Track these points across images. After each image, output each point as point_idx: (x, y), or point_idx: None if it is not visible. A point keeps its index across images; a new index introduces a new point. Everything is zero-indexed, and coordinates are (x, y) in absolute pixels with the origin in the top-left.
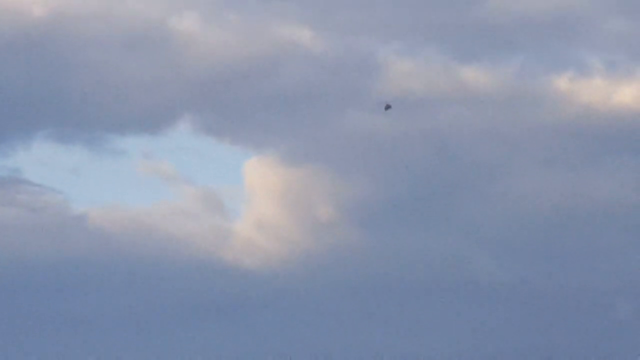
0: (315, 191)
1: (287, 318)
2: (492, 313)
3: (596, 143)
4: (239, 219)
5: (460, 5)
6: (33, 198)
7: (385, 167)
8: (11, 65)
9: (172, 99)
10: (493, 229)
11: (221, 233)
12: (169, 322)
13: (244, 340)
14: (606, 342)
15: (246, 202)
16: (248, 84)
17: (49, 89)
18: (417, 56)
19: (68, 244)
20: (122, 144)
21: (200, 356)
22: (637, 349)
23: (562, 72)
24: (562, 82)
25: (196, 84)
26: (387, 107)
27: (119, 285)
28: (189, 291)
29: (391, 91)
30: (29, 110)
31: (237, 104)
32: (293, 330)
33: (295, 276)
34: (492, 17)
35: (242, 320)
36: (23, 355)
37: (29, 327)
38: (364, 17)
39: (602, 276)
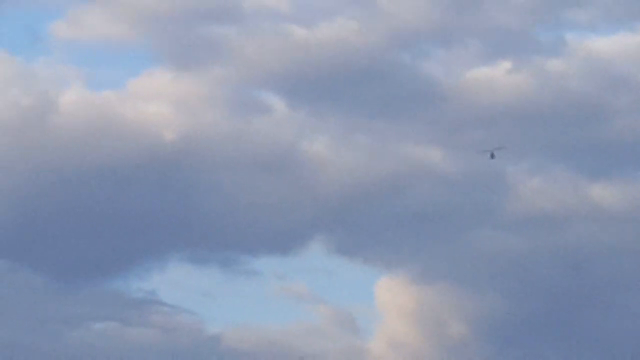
0: (446, 309)
1: None
2: None
3: None
4: (372, 338)
5: (588, 123)
6: (168, 319)
7: (516, 284)
8: (145, 189)
9: (303, 220)
10: (626, 345)
11: (355, 352)
12: None
13: None
14: None
15: (378, 321)
16: (378, 204)
17: (182, 212)
18: (546, 174)
19: None
20: (255, 265)
21: None
22: None
23: None
24: None
25: (327, 205)
26: (492, 155)
27: None
28: None
29: (521, 209)
30: (163, 233)
31: (368, 224)
32: None
33: None
34: (620, 135)
35: None
36: None
37: None
38: (492, 137)
39: None
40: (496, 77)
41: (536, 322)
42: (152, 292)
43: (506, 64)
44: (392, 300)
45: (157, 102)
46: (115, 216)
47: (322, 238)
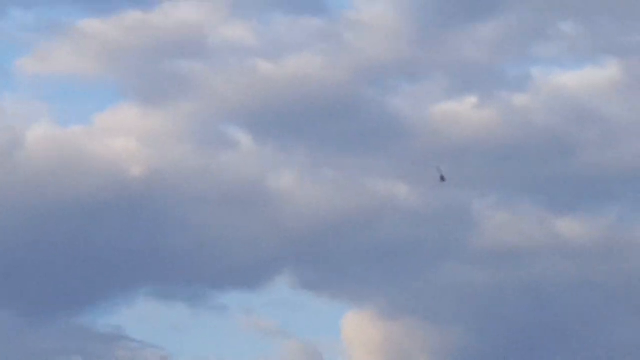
0: (413, 343)
1: None
2: None
3: None
4: None
5: (554, 158)
6: (135, 354)
7: (482, 317)
8: (111, 225)
9: (270, 255)
10: None
11: None
12: None
13: None
14: None
15: (345, 355)
16: (345, 238)
17: (149, 247)
18: (511, 208)
19: None
20: (222, 300)
21: None
22: None
23: None
24: None
25: (294, 240)
26: (442, 178)
27: None
28: None
29: (487, 243)
30: (130, 268)
31: (335, 258)
32: None
33: None
34: (585, 169)
35: None
36: None
37: None
38: (458, 171)
39: None
40: (462, 111)
41: (502, 356)
42: (119, 327)
43: (472, 99)
44: (358, 335)
45: (124, 137)
46: (81, 251)
47: (289, 272)
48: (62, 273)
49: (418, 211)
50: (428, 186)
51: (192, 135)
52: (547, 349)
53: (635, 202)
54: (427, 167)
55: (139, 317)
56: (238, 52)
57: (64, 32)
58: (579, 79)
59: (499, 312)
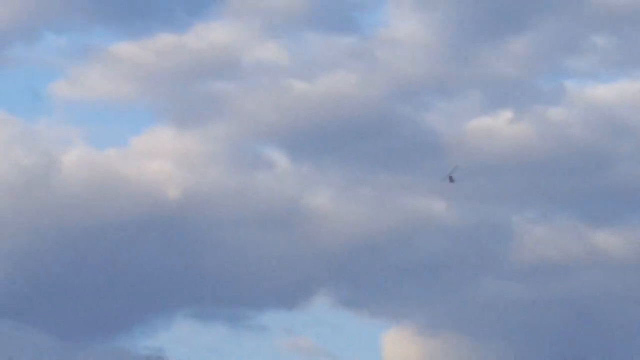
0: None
1: None
2: None
3: None
4: None
5: (590, 170)
6: None
7: (521, 332)
8: (149, 246)
9: (308, 274)
10: None
11: None
12: None
13: None
14: None
15: None
16: (382, 256)
17: (187, 269)
18: (549, 222)
19: None
20: (261, 320)
21: None
22: None
23: None
24: None
25: (332, 259)
26: (451, 179)
27: None
28: None
29: (525, 258)
30: (169, 289)
31: (373, 276)
32: None
33: None
34: (622, 181)
35: None
36: None
37: None
38: (495, 187)
39: None
40: (497, 126)
41: None
42: (159, 349)
43: (507, 114)
44: (398, 352)
45: (160, 159)
46: (120, 274)
47: (327, 291)
48: (100, 296)
49: (455, 227)
50: (465, 202)
51: (227, 156)
52: None
53: None
54: (463, 183)
55: (179, 338)
56: (271, 72)
57: (97, 55)
58: (613, 92)
59: (539, 327)
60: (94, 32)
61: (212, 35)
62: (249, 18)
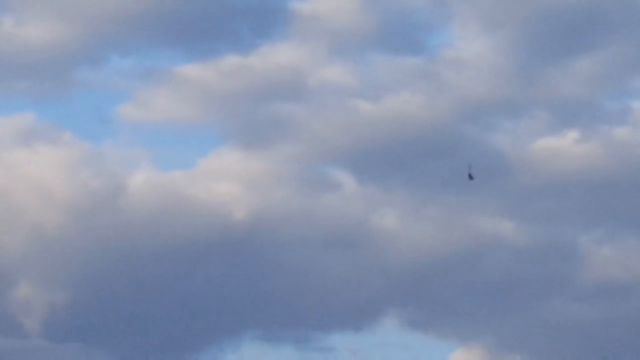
0: None
1: None
2: None
3: None
4: None
5: None
6: None
7: (591, 354)
8: (216, 268)
9: (376, 296)
10: None
11: None
12: None
13: None
14: None
15: None
16: (450, 276)
17: (254, 290)
18: (617, 243)
19: None
20: (329, 342)
21: None
22: None
23: None
24: None
25: (399, 280)
26: (470, 177)
27: None
28: None
29: (594, 279)
30: (236, 311)
31: (441, 297)
32: None
33: None
34: None
35: None
36: None
37: None
38: (562, 207)
39: None
40: (564, 146)
41: None
42: None
43: (573, 134)
44: None
45: (226, 181)
46: (187, 296)
47: (395, 312)
48: (168, 318)
49: (523, 247)
50: (532, 222)
51: (294, 178)
52: None
53: None
54: (531, 203)
55: None
56: (338, 93)
57: (162, 78)
58: None
59: (608, 349)
60: (160, 54)
61: (278, 56)
62: (314, 39)
